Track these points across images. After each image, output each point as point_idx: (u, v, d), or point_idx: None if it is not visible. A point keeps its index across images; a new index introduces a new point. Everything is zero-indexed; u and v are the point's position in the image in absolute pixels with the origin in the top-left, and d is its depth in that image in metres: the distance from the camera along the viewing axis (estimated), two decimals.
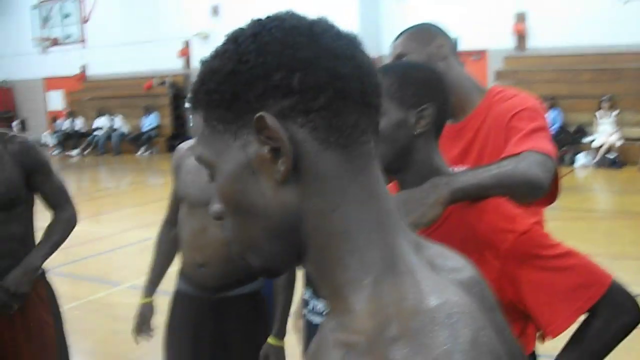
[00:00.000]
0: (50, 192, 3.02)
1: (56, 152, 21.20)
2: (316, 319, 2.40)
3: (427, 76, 1.65)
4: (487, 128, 2.17)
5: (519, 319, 1.61)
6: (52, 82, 23.56)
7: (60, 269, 7.01)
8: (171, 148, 18.81)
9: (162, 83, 20.51)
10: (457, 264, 0.91)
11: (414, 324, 0.69)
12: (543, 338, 1.70)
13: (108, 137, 20.72)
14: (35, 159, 2.93)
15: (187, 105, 0.86)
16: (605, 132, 14.01)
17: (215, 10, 19.44)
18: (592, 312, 1.58)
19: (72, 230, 3.10)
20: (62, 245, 3.08)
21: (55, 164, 3.17)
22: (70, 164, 19.21)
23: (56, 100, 23.54)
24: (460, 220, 1.62)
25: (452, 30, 2.33)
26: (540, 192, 1.80)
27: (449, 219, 1.62)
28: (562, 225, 7.73)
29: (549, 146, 1.92)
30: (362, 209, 0.80)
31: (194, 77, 0.89)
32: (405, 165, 1.63)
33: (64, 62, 22.43)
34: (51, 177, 3.01)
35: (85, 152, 20.93)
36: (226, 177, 0.82)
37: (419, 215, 1.55)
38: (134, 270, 6.94)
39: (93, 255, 8.27)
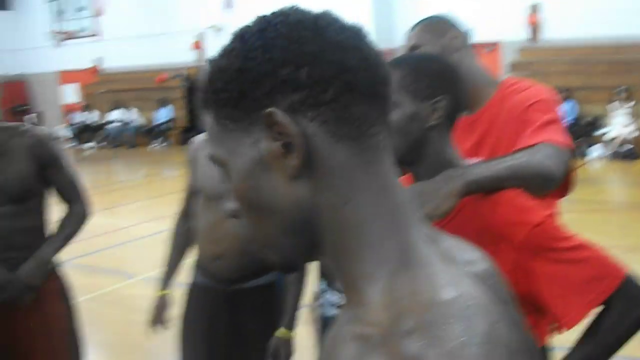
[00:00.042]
0: (63, 186, 3.03)
1: (71, 145, 21.29)
2: (330, 311, 2.41)
3: (441, 68, 1.65)
4: (501, 120, 2.17)
5: (532, 311, 1.61)
6: (66, 76, 23.65)
7: (75, 260, 7.05)
8: (185, 140, 18.85)
9: (176, 76, 20.54)
10: (472, 256, 0.91)
11: (429, 317, 0.69)
12: (557, 330, 1.70)
13: (122, 129, 20.79)
14: (48, 153, 2.94)
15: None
16: (619, 124, 13.91)
17: (228, 3, 19.45)
18: (606, 304, 1.57)
19: (85, 223, 3.11)
20: (78, 238, 3.10)
21: (70, 157, 3.18)
22: (85, 157, 19.29)
23: (71, 94, 23.63)
24: (474, 213, 1.62)
25: (466, 22, 2.32)
26: (555, 184, 1.80)
27: (462, 211, 1.62)
28: (576, 217, 7.69)
29: (563, 138, 1.91)
30: (375, 201, 0.80)
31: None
32: (419, 158, 1.63)
33: (78, 56, 22.51)
34: (64, 171, 3.02)
35: (100, 145, 21.01)
36: (239, 174, 0.82)
37: (433, 207, 1.55)
38: (149, 262, 6.96)
39: (108, 247, 8.32)
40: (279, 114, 0.77)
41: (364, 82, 0.80)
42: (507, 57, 16.02)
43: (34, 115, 21.80)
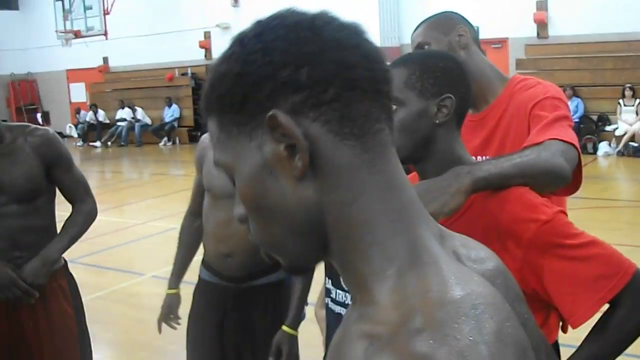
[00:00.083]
0: (70, 185, 3.03)
1: (79, 143, 21.35)
2: (338, 309, 2.40)
3: (448, 65, 1.64)
4: (509, 117, 2.17)
5: (541, 308, 1.61)
6: (74, 74, 23.69)
7: (84, 259, 7.08)
8: (192, 139, 18.92)
9: (184, 74, 20.56)
10: (481, 254, 0.91)
11: (439, 316, 0.69)
12: (565, 327, 1.70)
13: (130, 128, 20.83)
14: (55, 152, 2.95)
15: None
16: (627, 121, 13.87)
17: (235, 1, 19.44)
18: (615, 301, 1.57)
19: (91, 223, 3.11)
20: (87, 236, 3.10)
21: (78, 156, 3.20)
22: (93, 156, 19.33)
23: (79, 92, 23.67)
24: (482, 210, 1.62)
25: (473, 19, 2.32)
26: (563, 182, 1.79)
27: (470, 209, 1.62)
28: (584, 214, 7.69)
29: (571, 135, 1.91)
30: (381, 199, 0.80)
31: None
32: (427, 155, 1.63)
33: (86, 54, 22.52)
34: (71, 170, 3.02)
35: (108, 144, 21.05)
36: (245, 179, 0.82)
37: (441, 205, 1.55)
38: (157, 260, 6.99)
39: (117, 245, 8.33)
40: (281, 116, 0.77)
41: (364, 79, 0.80)
42: (514, 54, 15.97)
43: (41, 114, 21.85)
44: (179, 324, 3.23)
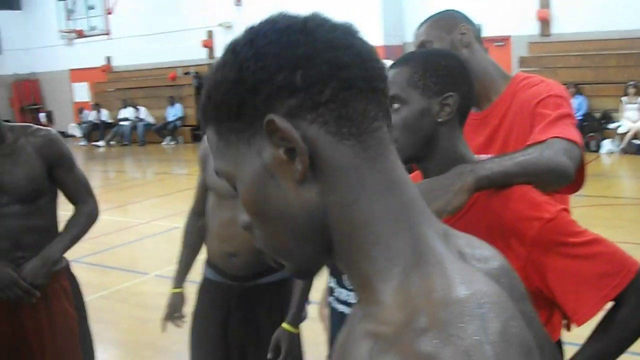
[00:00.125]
0: (72, 185, 3.03)
1: (82, 143, 21.37)
2: (341, 307, 2.41)
3: (451, 64, 1.64)
4: (512, 115, 2.16)
5: (545, 306, 1.61)
6: (77, 74, 23.71)
7: (88, 258, 7.09)
8: (196, 138, 18.93)
9: (186, 73, 20.57)
10: (485, 253, 0.91)
11: (444, 315, 0.69)
12: (569, 326, 1.70)
13: (133, 127, 20.84)
14: (57, 152, 2.95)
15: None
16: (631, 118, 13.84)
17: (238, 0, 19.44)
18: (619, 300, 1.57)
19: (93, 223, 3.11)
20: (90, 235, 3.10)
21: (82, 155, 3.20)
22: (96, 155, 19.34)
23: (82, 92, 23.69)
24: (485, 208, 1.62)
25: (476, 17, 2.32)
26: (566, 180, 1.79)
27: (474, 207, 1.62)
28: (588, 212, 7.68)
29: (574, 133, 1.90)
30: (383, 198, 0.80)
31: None
32: (429, 154, 1.63)
33: (89, 54, 22.56)
34: (73, 171, 3.03)
35: (111, 143, 21.07)
36: (247, 186, 0.82)
37: (444, 203, 1.54)
38: (161, 259, 7.00)
39: (120, 244, 8.34)
40: (279, 120, 0.77)
41: (359, 78, 0.80)
42: (517, 52, 15.96)
43: (44, 113, 21.87)
44: (184, 322, 3.24)
